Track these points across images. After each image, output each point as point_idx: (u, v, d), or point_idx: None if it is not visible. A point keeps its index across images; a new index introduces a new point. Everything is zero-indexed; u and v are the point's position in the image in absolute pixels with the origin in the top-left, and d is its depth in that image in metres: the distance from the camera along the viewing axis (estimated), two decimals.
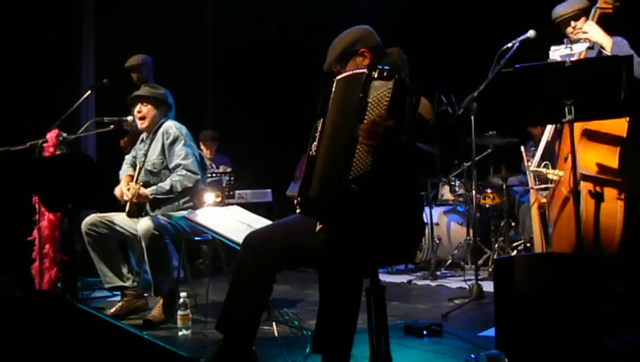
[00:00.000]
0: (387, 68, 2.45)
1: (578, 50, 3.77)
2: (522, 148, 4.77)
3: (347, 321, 2.43)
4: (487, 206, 6.56)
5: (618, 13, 3.72)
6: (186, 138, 4.34)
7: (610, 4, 3.72)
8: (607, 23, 3.74)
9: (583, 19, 3.89)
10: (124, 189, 4.23)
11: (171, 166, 4.29)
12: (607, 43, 3.68)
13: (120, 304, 4.29)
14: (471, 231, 6.02)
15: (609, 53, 3.67)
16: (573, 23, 3.91)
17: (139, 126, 4.43)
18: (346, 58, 2.83)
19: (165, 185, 4.20)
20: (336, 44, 2.87)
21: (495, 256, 6.01)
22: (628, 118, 3.53)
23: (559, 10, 3.97)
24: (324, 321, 2.44)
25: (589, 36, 3.73)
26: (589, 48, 3.76)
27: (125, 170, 4.55)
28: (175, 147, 4.29)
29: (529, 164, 4.31)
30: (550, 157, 4.21)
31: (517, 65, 3.27)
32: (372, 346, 2.54)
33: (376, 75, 2.44)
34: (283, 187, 7.95)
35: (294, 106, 5.98)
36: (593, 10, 3.77)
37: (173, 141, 4.30)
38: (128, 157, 4.63)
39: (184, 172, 4.22)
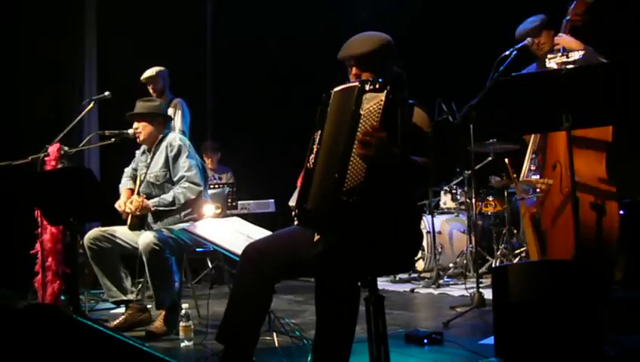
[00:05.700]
0: (379, 80, 2.45)
1: (574, 58, 3.78)
2: (506, 160, 4.76)
3: (345, 332, 2.44)
4: (489, 213, 6.57)
5: (587, 25, 3.83)
6: (189, 149, 4.41)
7: (580, 16, 3.82)
8: (577, 34, 3.82)
9: (544, 33, 4.03)
10: (126, 203, 4.27)
11: (175, 178, 4.35)
12: (578, 47, 3.73)
13: (124, 317, 4.30)
14: (473, 238, 6.03)
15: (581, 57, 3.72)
16: (536, 40, 4.04)
17: (138, 140, 4.48)
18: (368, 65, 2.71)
19: (168, 196, 4.25)
20: (365, 41, 2.72)
21: (497, 263, 6.02)
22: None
23: (520, 32, 4.12)
24: (322, 332, 2.46)
25: (563, 45, 3.78)
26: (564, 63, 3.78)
27: (125, 183, 4.59)
28: (179, 159, 4.35)
29: (514, 175, 4.32)
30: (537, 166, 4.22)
31: (513, 74, 3.29)
32: (372, 355, 2.56)
33: (368, 88, 2.44)
34: (286, 197, 7.91)
35: (297, 116, 5.99)
36: (564, 22, 3.85)
37: (178, 153, 4.36)
38: (128, 170, 4.66)
39: (187, 184, 4.28)
